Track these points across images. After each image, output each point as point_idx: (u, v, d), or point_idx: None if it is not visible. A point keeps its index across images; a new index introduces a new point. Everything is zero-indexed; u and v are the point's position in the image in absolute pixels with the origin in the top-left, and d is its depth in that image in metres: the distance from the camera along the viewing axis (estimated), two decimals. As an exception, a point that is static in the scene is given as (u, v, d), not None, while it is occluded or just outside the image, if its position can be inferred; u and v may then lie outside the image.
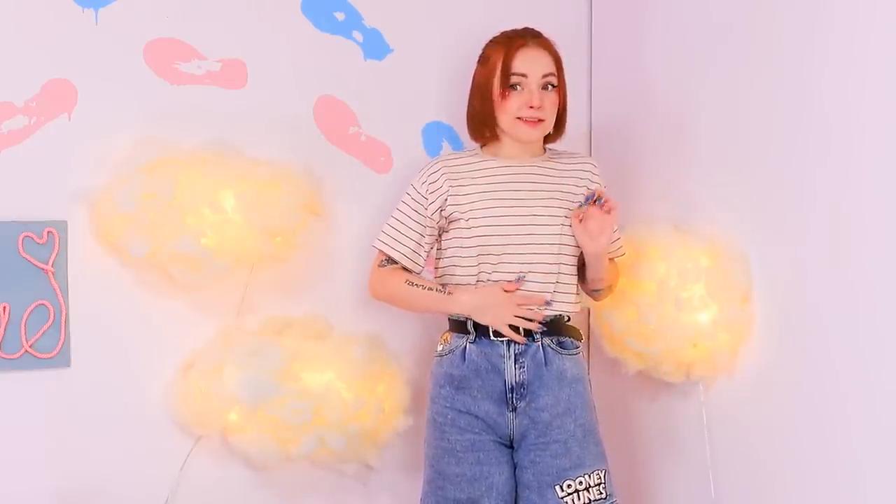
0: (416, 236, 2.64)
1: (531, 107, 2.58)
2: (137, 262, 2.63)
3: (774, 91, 2.56)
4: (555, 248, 2.59)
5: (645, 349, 2.72)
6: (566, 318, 2.63)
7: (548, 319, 2.58)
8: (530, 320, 2.55)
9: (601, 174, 2.71)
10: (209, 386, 2.65)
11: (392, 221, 2.67)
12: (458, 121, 2.76)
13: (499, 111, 2.61)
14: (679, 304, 2.65)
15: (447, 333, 2.65)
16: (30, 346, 2.57)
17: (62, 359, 2.60)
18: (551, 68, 2.62)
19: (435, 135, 3.01)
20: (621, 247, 2.75)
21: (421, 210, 2.64)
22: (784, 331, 2.55)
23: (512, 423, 2.55)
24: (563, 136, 2.71)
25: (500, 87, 2.59)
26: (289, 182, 2.69)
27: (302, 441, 2.66)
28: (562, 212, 2.61)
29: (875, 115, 2.31)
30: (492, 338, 2.57)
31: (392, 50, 2.95)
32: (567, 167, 2.68)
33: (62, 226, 2.59)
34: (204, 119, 2.72)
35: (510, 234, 2.58)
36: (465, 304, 2.57)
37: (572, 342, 2.61)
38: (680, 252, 2.69)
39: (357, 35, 2.91)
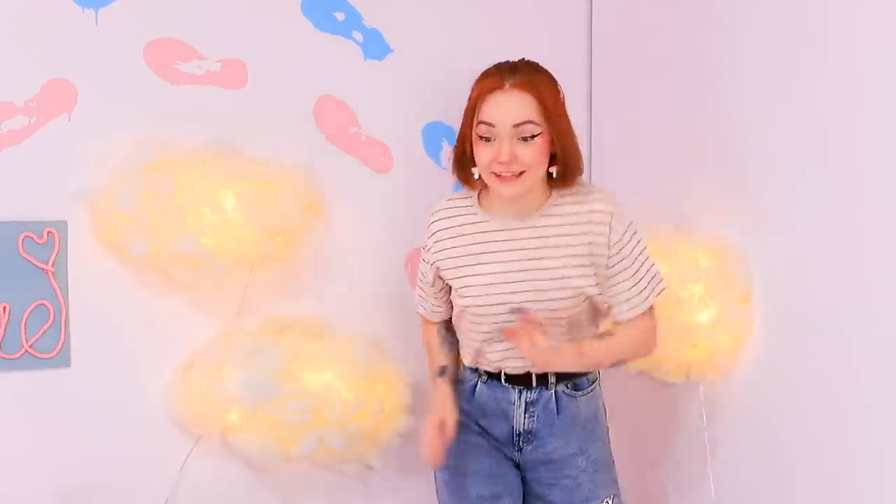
0: (430, 300, 2.58)
1: (500, 161, 2.30)
2: (137, 262, 2.63)
3: (775, 90, 2.55)
4: (564, 314, 2.39)
5: (645, 349, 2.72)
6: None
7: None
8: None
9: (615, 213, 2.36)
10: (209, 386, 2.65)
11: (418, 275, 2.61)
12: (458, 121, 2.75)
13: (475, 159, 2.37)
14: (679, 304, 2.65)
15: (461, 358, 2.59)
16: (30, 346, 2.57)
17: (62, 359, 2.60)
18: (527, 116, 2.29)
19: (435, 135, 3.01)
20: (644, 294, 2.41)
21: (427, 270, 2.54)
22: (784, 331, 2.55)
23: (518, 457, 2.50)
24: (575, 180, 2.39)
25: (473, 135, 2.35)
26: (289, 182, 2.69)
27: (302, 441, 2.66)
28: (566, 281, 2.36)
29: (875, 115, 2.31)
30: (503, 382, 2.47)
31: (392, 50, 2.95)
32: (571, 215, 2.38)
33: (62, 226, 2.59)
34: (204, 119, 2.72)
35: (502, 314, 2.40)
36: (431, 405, 2.47)
37: (588, 379, 2.50)
38: (680, 252, 2.69)
39: (357, 35, 2.91)
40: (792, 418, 2.52)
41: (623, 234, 2.37)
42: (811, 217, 2.46)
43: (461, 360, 2.57)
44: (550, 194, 2.42)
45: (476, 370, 2.51)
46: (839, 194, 2.39)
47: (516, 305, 2.36)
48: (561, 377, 2.45)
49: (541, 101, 2.31)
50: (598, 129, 3.16)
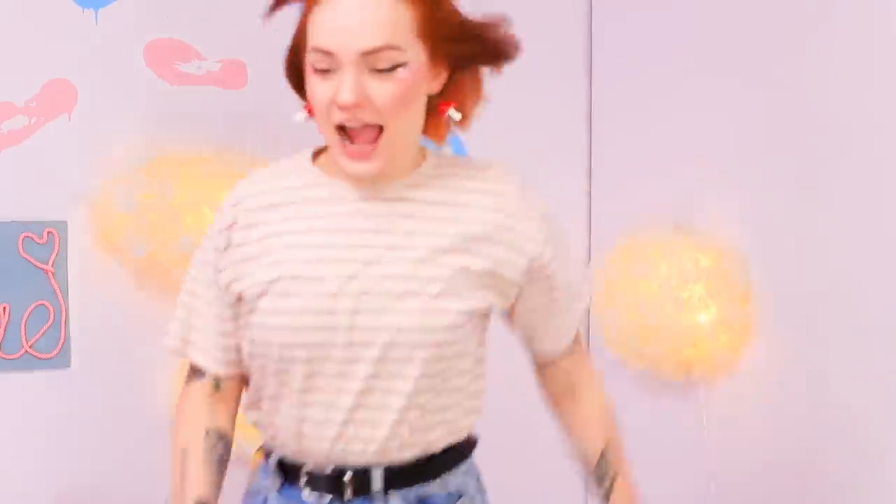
0: (214, 322, 1.62)
1: (341, 105, 1.47)
2: (137, 262, 2.63)
3: (776, 89, 2.55)
4: (436, 351, 1.51)
5: (645, 349, 2.72)
6: (451, 447, 1.62)
7: (408, 463, 1.57)
8: None
9: (547, 213, 1.61)
10: (209, 386, 2.64)
11: (184, 298, 1.67)
12: (458, 121, 2.75)
13: (309, 100, 1.55)
14: (679, 304, 2.65)
15: (259, 453, 1.75)
16: (30, 347, 2.57)
17: (62, 359, 2.60)
18: (384, 38, 1.43)
19: (435, 135, 3.00)
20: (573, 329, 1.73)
21: (209, 279, 1.62)
22: (784, 331, 2.55)
23: None
24: (470, 118, 1.60)
25: (306, 65, 1.53)
26: (289, 182, 2.69)
27: (302, 441, 2.65)
28: (437, 284, 1.50)
29: (876, 114, 2.31)
30: (303, 492, 1.62)
31: (392, 50, 2.94)
32: (456, 190, 1.55)
33: (62, 226, 2.59)
34: (204, 119, 2.72)
35: (326, 339, 1.52)
36: None
37: (453, 494, 1.62)
38: (680, 252, 2.69)
39: (357, 35, 2.91)
40: (792, 418, 2.52)
41: (557, 238, 1.61)
42: (812, 217, 2.46)
43: (256, 458, 1.76)
44: (426, 156, 1.58)
45: (271, 471, 1.69)
46: (839, 194, 2.39)
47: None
48: (400, 478, 1.57)
49: (417, 8, 1.45)
50: (599, 130, 3.16)
